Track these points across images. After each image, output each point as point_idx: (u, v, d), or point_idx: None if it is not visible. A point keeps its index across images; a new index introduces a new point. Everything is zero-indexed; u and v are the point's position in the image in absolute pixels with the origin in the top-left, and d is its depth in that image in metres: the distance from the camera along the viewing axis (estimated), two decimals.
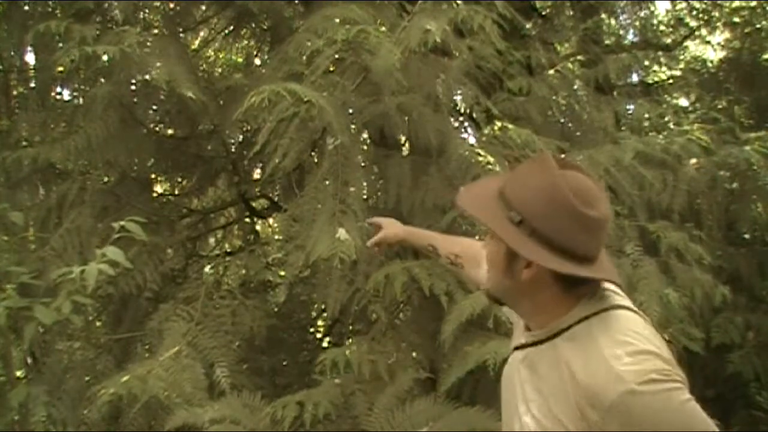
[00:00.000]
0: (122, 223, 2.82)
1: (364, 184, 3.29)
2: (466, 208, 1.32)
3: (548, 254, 1.19)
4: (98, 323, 4.23)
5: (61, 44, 3.37)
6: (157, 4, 4.30)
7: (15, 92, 4.55)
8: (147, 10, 4.23)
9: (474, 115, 3.70)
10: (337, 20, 3.05)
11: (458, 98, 3.66)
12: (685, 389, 1.14)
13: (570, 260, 1.20)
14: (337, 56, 2.97)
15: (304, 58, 3.14)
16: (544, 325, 1.27)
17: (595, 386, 1.14)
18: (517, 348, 1.38)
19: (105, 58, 2.94)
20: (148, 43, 3.28)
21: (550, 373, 1.24)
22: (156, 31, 4.10)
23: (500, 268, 1.28)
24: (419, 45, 2.72)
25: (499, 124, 3.09)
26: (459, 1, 3.06)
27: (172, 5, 4.45)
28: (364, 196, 3.64)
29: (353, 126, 3.17)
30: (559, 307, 1.24)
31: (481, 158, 2.87)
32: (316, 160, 3.62)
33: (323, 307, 3.82)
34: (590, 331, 1.20)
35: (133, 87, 3.77)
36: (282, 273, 3.64)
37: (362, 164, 3.37)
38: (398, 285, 2.73)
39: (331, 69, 3.13)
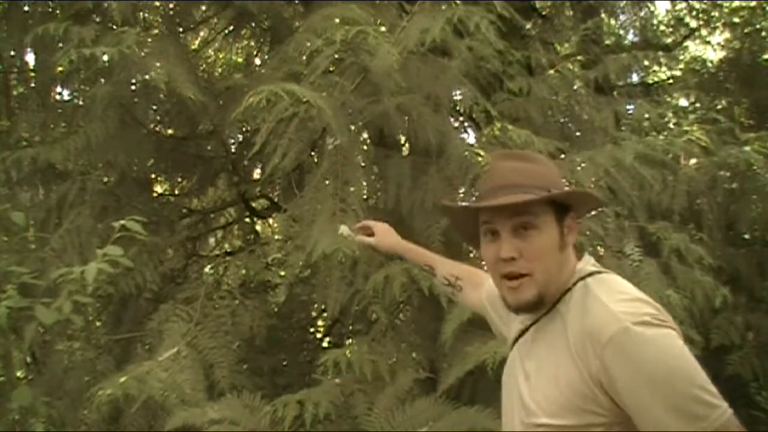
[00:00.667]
0: (122, 222, 2.82)
1: (364, 183, 3.29)
2: (524, 199, 1.29)
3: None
4: (98, 323, 4.23)
5: (60, 44, 3.37)
6: (157, 4, 4.30)
7: (15, 92, 4.56)
8: (147, 11, 4.22)
9: (473, 116, 3.70)
10: (337, 20, 3.05)
11: (458, 98, 3.66)
12: (677, 336, 1.18)
13: None
14: (336, 56, 2.96)
15: (304, 58, 3.14)
16: (554, 296, 1.32)
17: (592, 326, 1.19)
18: (517, 338, 1.40)
19: (105, 58, 2.93)
20: (148, 44, 3.28)
21: (552, 340, 1.29)
22: (156, 31, 4.09)
23: (555, 249, 1.31)
24: (417, 45, 2.72)
25: (498, 124, 3.09)
26: (458, 1, 3.05)
27: (172, 5, 4.45)
28: (364, 196, 3.65)
29: (353, 126, 3.16)
30: (572, 265, 1.34)
31: (480, 159, 2.87)
32: (316, 160, 3.62)
33: (323, 307, 3.83)
34: (587, 288, 1.27)
35: (132, 87, 3.77)
36: (282, 273, 3.64)
37: (362, 164, 3.37)
38: (397, 286, 2.73)
39: (331, 69, 3.13)
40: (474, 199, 1.41)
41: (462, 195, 3.22)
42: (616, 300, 1.21)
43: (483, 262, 1.44)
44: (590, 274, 1.30)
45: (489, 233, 1.34)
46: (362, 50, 2.75)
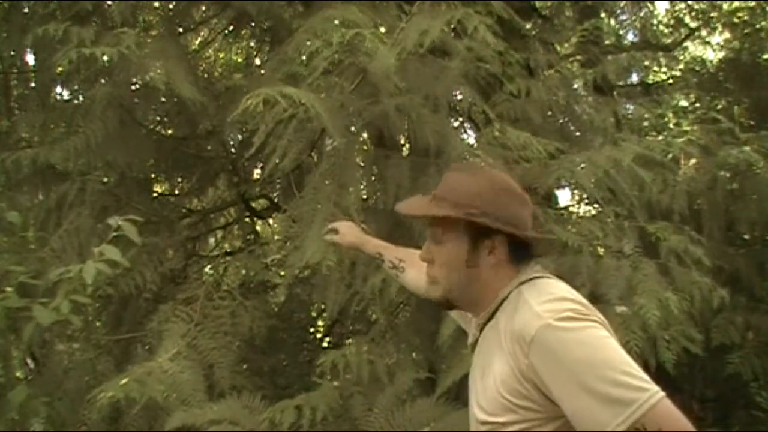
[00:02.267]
0: (119, 222, 2.81)
1: (363, 185, 3.29)
2: (422, 212, 1.45)
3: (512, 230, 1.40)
4: (98, 324, 4.23)
5: (60, 45, 3.37)
6: (156, 4, 4.30)
7: (15, 92, 4.56)
8: (146, 11, 4.22)
9: (472, 116, 3.70)
10: (337, 21, 3.05)
11: (458, 99, 3.66)
12: (601, 328, 1.24)
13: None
14: (337, 55, 2.96)
15: (304, 58, 3.14)
16: (489, 305, 1.41)
17: (519, 327, 1.27)
18: (474, 343, 1.49)
19: (105, 58, 2.93)
20: (147, 44, 3.28)
21: (492, 344, 1.37)
22: (155, 32, 4.09)
23: (461, 264, 1.40)
24: (416, 46, 2.72)
25: (497, 125, 3.09)
26: (457, 1, 3.04)
27: (172, 5, 4.45)
28: (364, 196, 3.64)
29: (352, 127, 3.16)
30: (505, 279, 1.41)
31: (479, 159, 2.87)
32: (316, 160, 3.62)
33: (323, 307, 3.83)
34: (520, 293, 1.35)
35: (132, 88, 3.77)
36: (282, 273, 3.64)
37: (361, 165, 3.37)
38: (394, 288, 2.74)
39: (330, 69, 3.12)
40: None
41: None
42: (541, 301, 1.28)
43: None
44: (529, 280, 1.38)
45: None
46: (360, 52, 2.75)
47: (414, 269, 1.91)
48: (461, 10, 2.90)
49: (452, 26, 2.86)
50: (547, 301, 1.27)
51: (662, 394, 1.15)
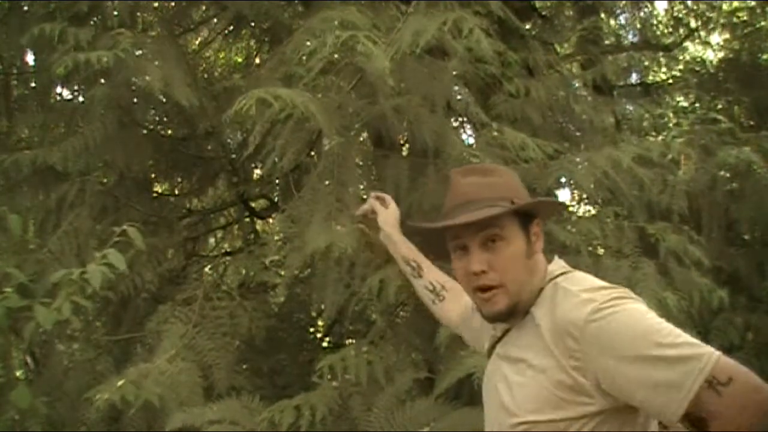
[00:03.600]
0: (124, 227, 2.82)
1: (363, 185, 3.28)
2: (483, 215, 1.33)
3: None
4: (98, 324, 4.23)
5: (59, 44, 3.37)
6: (156, 4, 4.30)
7: (15, 93, 4.56)
8: (146, 12, 4.21)
9: (470, 117, 3.69)
10: (336, 22, 3.05)
11: (457, 99, 3.65)
12: (644, 305, 1.25)
13: None
14: (335, 55, 2.96)
15: (304, 58, 3.14)
16: (526, 304, 1.35)
17: (567, 318, 1.24)
18: (493, 346, 1.44)
19: (104, 60, 2.93)
20: (146, 46, 3.28)
21: (524, 341, 1.33)
22: (154, 33, 4.09)
23: (522, 257, 1.35)
24: (411, 47, 2.72)
25: (495, 126, 3.09)
26: (455, 1, 3.04)
27: (172, 4, 4.45)
28: (364, 196, 3.63)
29: (350, 127, 3.16)
30: (542, 269, 1.38)
31: (477, 160, 2.87)
32: (316, 160, 3.62)
33: (323, 306, 3.83)
34: (556, 287, 1.32)
35: (131, 88, 3.76)
36: (282, 273, 3.64)
37: (359, 165, 3.37)
38: (392, 290, 2.73)
39: (328, 69, 3.12)
40: (439, 217, 1.43)
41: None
42: (584, 289, 1.27)
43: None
44: (560, 275, 1.36)
45: (458, 249, 1.38)
46: (356, 52, 2.75)
47: (451, 301, 1.81)
48: (456, 12, 2.89)
49: (447, 28, 2.85)
50: (589, 289, 1.26)
51: (719, 352, 1.17)
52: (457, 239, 1.37)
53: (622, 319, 1.19)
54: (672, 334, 1.18)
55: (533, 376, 1.27)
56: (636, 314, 1.21)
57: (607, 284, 1.29)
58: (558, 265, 1.41)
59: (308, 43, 3.00)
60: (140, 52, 3.19)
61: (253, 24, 4.43)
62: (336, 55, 2.96)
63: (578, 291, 1.26)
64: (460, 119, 4.04)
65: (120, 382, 2.66)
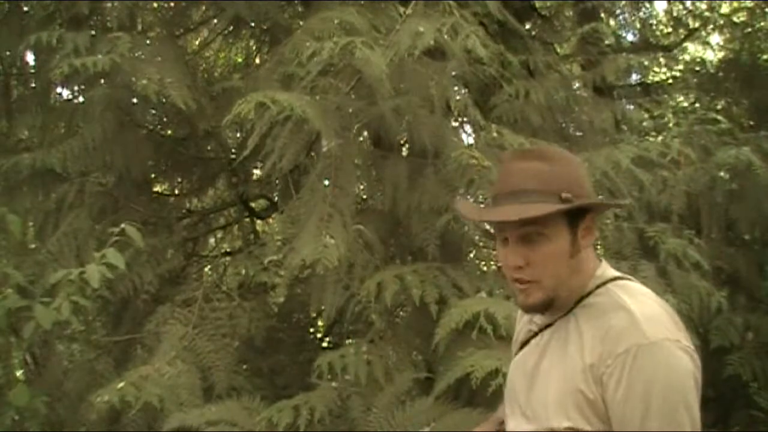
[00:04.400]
0: (123, 226, 2.82)
1: (361, 186, 3.29)
2: (527, 215, 1.25)
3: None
4: (98, 324, 4.23)
5: (58, 45, 3.37)
6: (155, 5, 4.30)
7: (15, 93, 4.56)
8: (145, 13, 4.21)
9: (468, 118, 3.69)
10: (336, 21, 3.05)
11: (456, 99, 3.65)
12: (694, 365, 1.20)
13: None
14: (333, 58, 2.96)
15: (305, 58, 3.14)
16: (568, 299, 1.31)
17: (614, 331, 1.20)
18: (528, 340, 1.40)
19: (100, 66, 2.93)
20: (144, 48, 3.28)
21: (567, 339, 1.28)
22: (153, 34, 4.09)
23: (564, 256, 1.28)
24: (409, 49, 2.72)
25: (494, 127, 3.09)
26: (453, 1, 3.04)
27: (172, 4, 4.44)
28: (363, 197, 3.64)
29: (349, 129, 3.16)
30: (591, 269, 1.32)
31: (475, 161, 2.86)
32: (315, 161, 3.62)
33: (323, 307, 3.83)
34: (609, 294, 1.27)
35: (131, 89, 3.76)
36: (282, 273, 3.64)
37: (357, 167, 3.37)
38: (389, 294, 2.73)
39: (327, 71, 3.12)
40: (485, 203, 1.38)
41: (464, 194, 3.18)
42: (642, 314, 1.21)
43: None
44: (612, 279, 1.31)
45: (500, 236, 1.32)
46: (354, 56, 2.75)
47: None
48: (453, 16, 2.89)
49: (446, 30, 2.85)
50: (649, 317, 1.20)
51: None
52: (500, 228, 1.32)
53: (663, 367, 1.17)
54: (691, 414, 1.17)
55: (562, 380, 1.25)
56: (681, 373, 1.18)
57: (666, 315, 1.24)
58: (608, 267, 1.35)
59: (307, 44, 3.00)
60: (139, 53, 3.19)
61: (252, 24, 4.43)
62: (334, 58, 2.96)
63: (635, 312, 1.21)
64: (459, 120, 4.04)
65: (120, 384, 2.67)
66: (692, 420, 1.17)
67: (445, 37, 2.85)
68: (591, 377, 1.20)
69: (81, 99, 4.11)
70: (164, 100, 3.81)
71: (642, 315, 1.20)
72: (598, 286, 1.30)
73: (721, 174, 3.73)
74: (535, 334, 1.38)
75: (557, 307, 1.32)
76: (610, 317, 1.23)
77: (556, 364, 1.28)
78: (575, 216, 1.28)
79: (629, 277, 1.34)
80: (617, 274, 1.33)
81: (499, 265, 1.40)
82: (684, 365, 1.18)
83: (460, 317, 2.55)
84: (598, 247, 3.31)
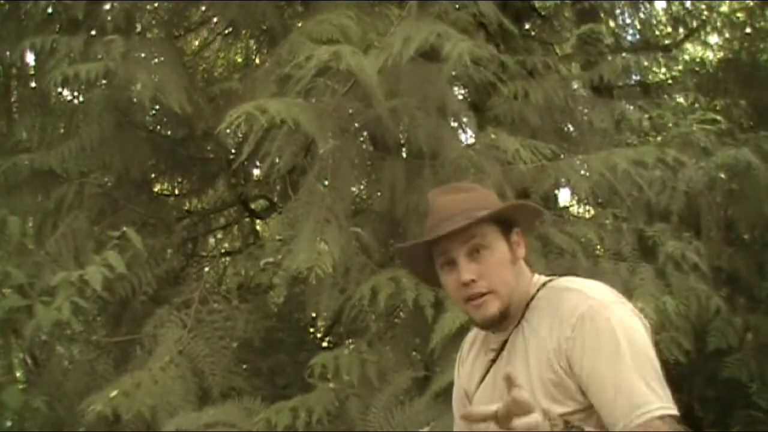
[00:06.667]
0: (123, 230, 2.83)
1: (360, 187, 3.29)
2: (465, 222, 1.36)
3: None
4: (97, 325, 4.24)
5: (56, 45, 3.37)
6: (155, 5, 4.30)
7: (15, 93, 4.56)
8: (144, 14, 4.21)
9: (466, 120, 3.69)
10: (333, 23, 3.04)
11: (452, 101, 3.65)
12: (647, 329, 1.31)
13: None
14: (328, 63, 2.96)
15: (303, 59, 3.13)
16: (518, 306, 1.40)
17: (565, 309, 1.30)
18: (485, 374, 1.46)
19: (93, 74, 2.94)
20: (142, 50, 3.28)
21: (525, 343, 1.37)
22: (152, 35, 4.09)
23: (508, 261, 1.39)
24: (396, 56, 2.72)
25: (491, 129, 3.08)
26: (449, 1, 3.03)
27: (171, 5, 4.44)
28: (362, 198, 3.64)
29: (347, 129, 3.16)
30: (529, 277, 1.44)
31: (473, 162, 2.86)
32: (313, 163, 3.62)
33: (320, 308, 3.83)
34: (551, 289, 1.40)
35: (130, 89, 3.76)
36: (281, 273, 3.64)
37: (354, 169, 3.37)
38: (383, 297, 2.74)
39: (323, 72, 3.12)
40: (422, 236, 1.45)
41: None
42: (588, 287, 1.35)
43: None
44: (549, 280, 1.43)
45: (446, 264, 1.40)
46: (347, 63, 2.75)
47: None
48: (442, 26, 2.88)
49: (433, 38, 2.85)
50: (594, 289, 1.34)
51: (675, 411, 1.22)
52: (444, 254, 1.39)
53: (619, 322, 1.26)
54: (654, 369, 1.25)
55: (528, 381, 1.30)
56: (636, 326, 1.29)
57: (611, 290, 1.37)
58: (543, 276, 1.46)
59: (303, 47, 3.00)
60: (137, 55, 3.18)
61: (250, 27, 4.42)
62: (328, 63, 2.95)
63: (580, 288, 1.34)
64: (457, 121, 4.03)
65: (112, 394, 2.66)
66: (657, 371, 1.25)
67: (440, 39, 2.84)
68: (556, 360, 1.28)
69: (80, 100, 4.11)
70: (160, 104, 3.82)
71: (588, 288, 1.34)
72: (539, 289, 1.41)
73: (721, 174, 3.72)
74: (493, 361, 1.44)
75: (510, 316, 1.40)
76: (558, 304, 1.33)
77: (521, 369, 1.33)
78: (506, 228, 1.41)
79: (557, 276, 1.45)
80: (549, 277, 1.45)
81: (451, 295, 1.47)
82: (638, 322, 1.30)
83: (453, 322, 2.56)
84: (598, 248, 3.31)
